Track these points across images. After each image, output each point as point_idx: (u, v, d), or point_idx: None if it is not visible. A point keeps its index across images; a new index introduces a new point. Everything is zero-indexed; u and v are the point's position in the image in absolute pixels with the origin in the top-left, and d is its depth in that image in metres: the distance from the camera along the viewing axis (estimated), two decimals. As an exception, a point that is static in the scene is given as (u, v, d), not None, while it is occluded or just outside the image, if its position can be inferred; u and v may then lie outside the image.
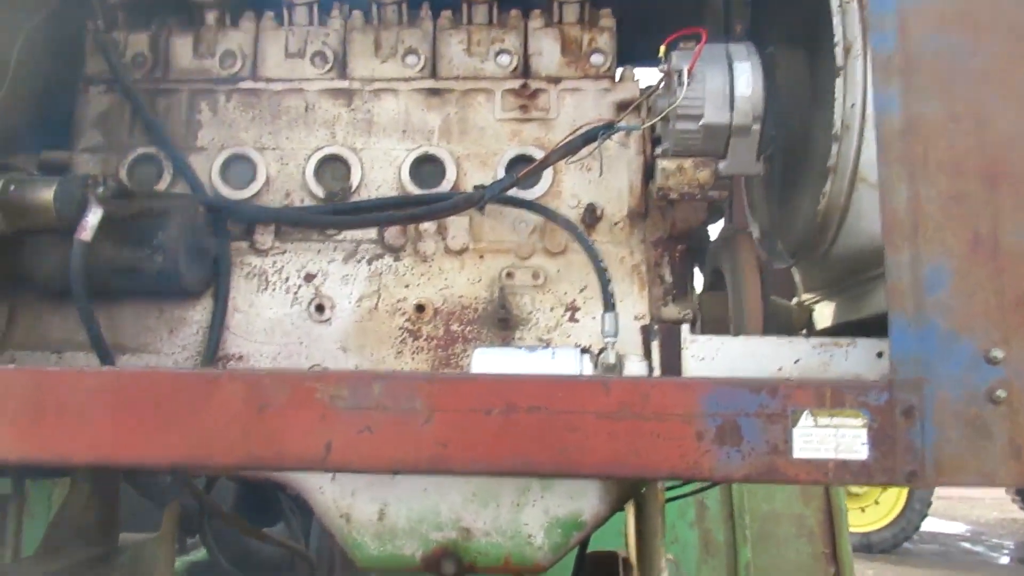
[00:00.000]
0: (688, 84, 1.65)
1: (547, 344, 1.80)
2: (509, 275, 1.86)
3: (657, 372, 1.71)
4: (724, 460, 1.37)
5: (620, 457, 1.38)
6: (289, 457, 1.41)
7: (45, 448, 1.43)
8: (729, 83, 1.66)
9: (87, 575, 2.23)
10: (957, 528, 13.55)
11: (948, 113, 1.44)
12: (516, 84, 1.97)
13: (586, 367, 1.63)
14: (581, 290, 1.86)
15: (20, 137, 1.95)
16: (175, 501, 1.75)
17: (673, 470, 1.39)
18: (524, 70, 1.99)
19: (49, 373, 1.47)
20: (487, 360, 1.62)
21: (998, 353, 1.37)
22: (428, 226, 1.90)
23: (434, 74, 1.99)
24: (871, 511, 11.04)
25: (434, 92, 1.98)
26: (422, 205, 1.85)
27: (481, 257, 1.89)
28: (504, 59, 1.97)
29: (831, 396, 1.38)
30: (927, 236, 1.41)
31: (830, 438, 1.37)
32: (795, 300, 2.32)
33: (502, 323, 1.82)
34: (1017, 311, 1.39)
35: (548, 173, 1.90)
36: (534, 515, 1.82)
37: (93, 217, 1.61)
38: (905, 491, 11.06)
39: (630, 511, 2.33)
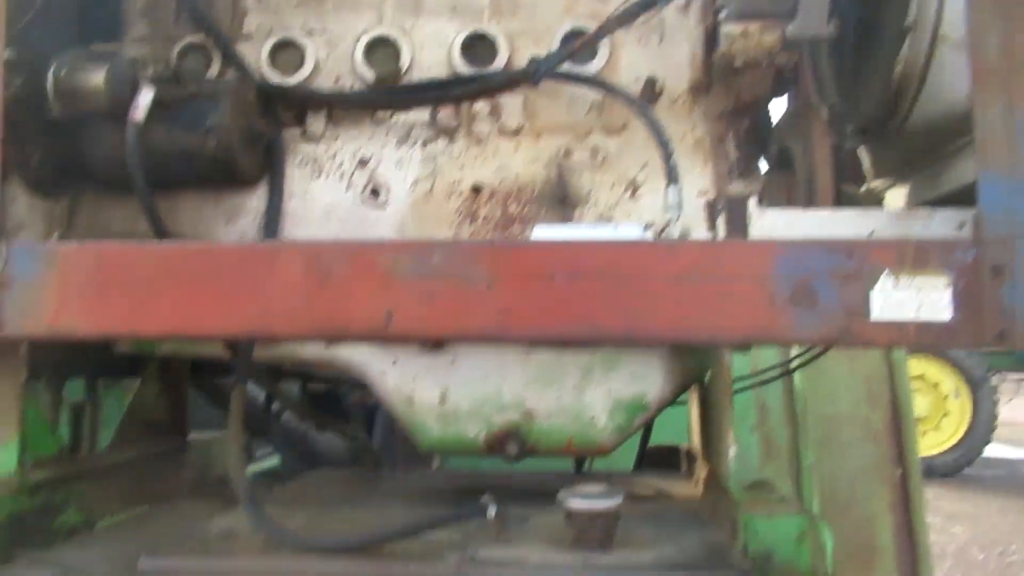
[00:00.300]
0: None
1: (609, 219, 1.75)
2: (567, 154, 1.80)
3: (723, 247, 1.65)
4: (798, 323, 1.32)
5: (689, 322, 1.34)
6: (351, 327, 1.40)
7: (113, 322, 1.45)
8: (797, -63, 1.55)
9: (160, 467, 2.30)
10: (1022, 454, 13.31)
11: (1047, -54, 1.32)
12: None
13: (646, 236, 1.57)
14: (642, 167, 1.79)
15: (69, 32, 1.93)
16: (240, 388, 1.76)
17: (744, 334, 1.34)
18: (577, -61, 1.89)
19: (113, 249, 1.47)
20: (547, 234, 1.58)
21: (1098, 204, 1.28)
22: (482, 107, 1.84)
23: (483, -52, 1.91)
24: (932, 435, 10.92)
25: (494, -34, 1.90)
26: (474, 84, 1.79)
27: (537, 136, 1.83)
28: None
29: (913, 255, 1.31)
30: (1022, 84, 1.31)
31: (911, 299, 1.30)
32: (864, 187, 2.22)
33: (560, 202, 1.77)
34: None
35: (605, 47, 1.82)
36: (597, 397, 1.81)
37: (144, 97, 1.59)
38: (968, 415, 10.87)
39: (693, 403, 2.30)
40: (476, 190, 1.80)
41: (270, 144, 1.84)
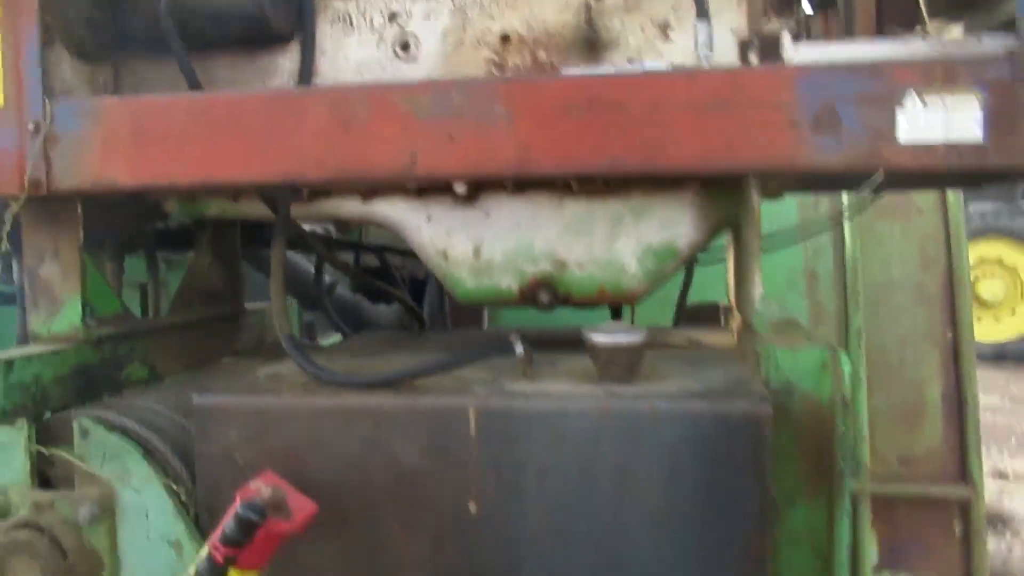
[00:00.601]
0: None
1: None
2: (595, -3, 1.76)
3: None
4: (821, 148, 1.30)
5: (709, 151, 1.34)
6: (376, 169, 1.43)
7: (152, 173, 1.52)
8: None
9: (217, 331, 2.43)
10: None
11: None
12: None
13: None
14: (673, 7, 1.74)
15: None
16: (280, 242, 1.82)
17: (765, 162, 1.33)
18: None
19: (150, 102, 1.53)
20: (575, 74, 1.56)
21: None
22: (509, -47, 1.81)
23: None
24: (1007, 320, 10.67)
25: None
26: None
27: (567, -19, 1.79)
28: None
29: (942, 73, 1.27)
30: None
31: (940, 119, 1.27)
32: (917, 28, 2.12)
33: (589, 45, 1.74)
34: None
35: None
36: (628, 245, 1.82)
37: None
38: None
39: (730, 260, 2.30)
40: (505, 39, 1.78)
41: (301, 1, 1.84)
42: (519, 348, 1.57)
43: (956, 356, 3.10)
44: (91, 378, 1.89)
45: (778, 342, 1.49)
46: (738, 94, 1.31)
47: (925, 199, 3.28)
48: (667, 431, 1.42)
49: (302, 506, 1.45)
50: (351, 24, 1.87)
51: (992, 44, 1.47)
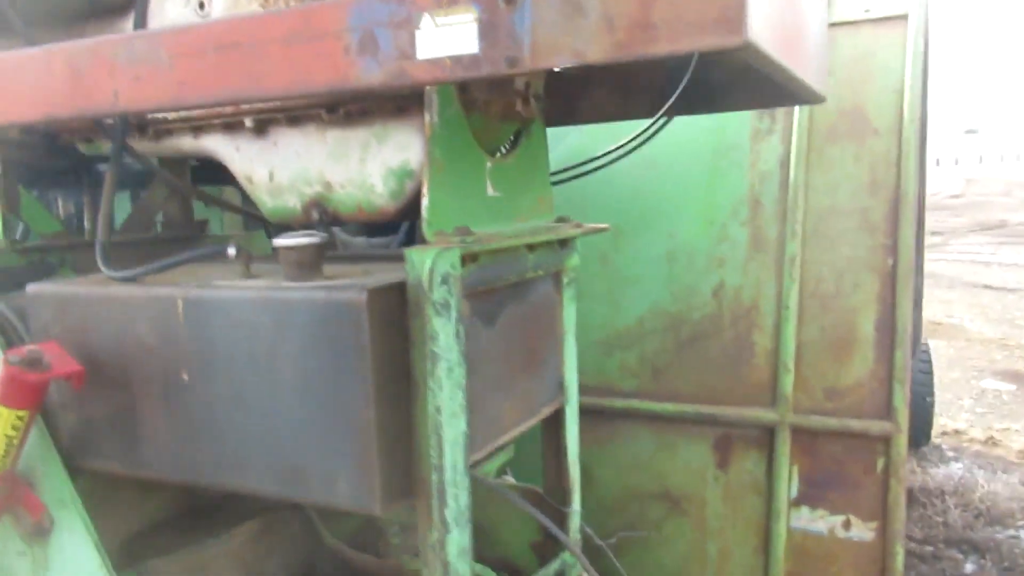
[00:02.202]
0: None
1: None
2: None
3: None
4: (366, 70, 1.52)
5: (295, 78, 1.60)
6: (95, 105, 1.83)
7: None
8: None
9: (153, 250, 2.97)
10: None
11: None
12: None
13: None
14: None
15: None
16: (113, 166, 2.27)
17: (330, 85, 1.57)
18: None
19: None
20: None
21: (592, -79, 1.30)
22: (276, -84, 2.11)
23: None
24: None
25: None
26: None
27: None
28: None
29: (447, -4, 1.43)
30: None
31: (448, 37, 1.44)
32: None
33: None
34: None
35: None
36: (375, 167, 2.09)
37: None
38: None
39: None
40: (251, -14, 2.10)
41: (133, -24, 2.27)
42: (231, 251, 1.92)
43: (893, 285, 2.96)
44: (22, 279, 2.48)
45: (427, 247, 1.72)
46: (309, 27, 1.56)
47: (882, 118, 3.12)
48: (295, 315, 1.73)
49: (66, 366, 1.92)
50: (169, -14, 2.27)
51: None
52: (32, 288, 2.10)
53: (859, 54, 3.26)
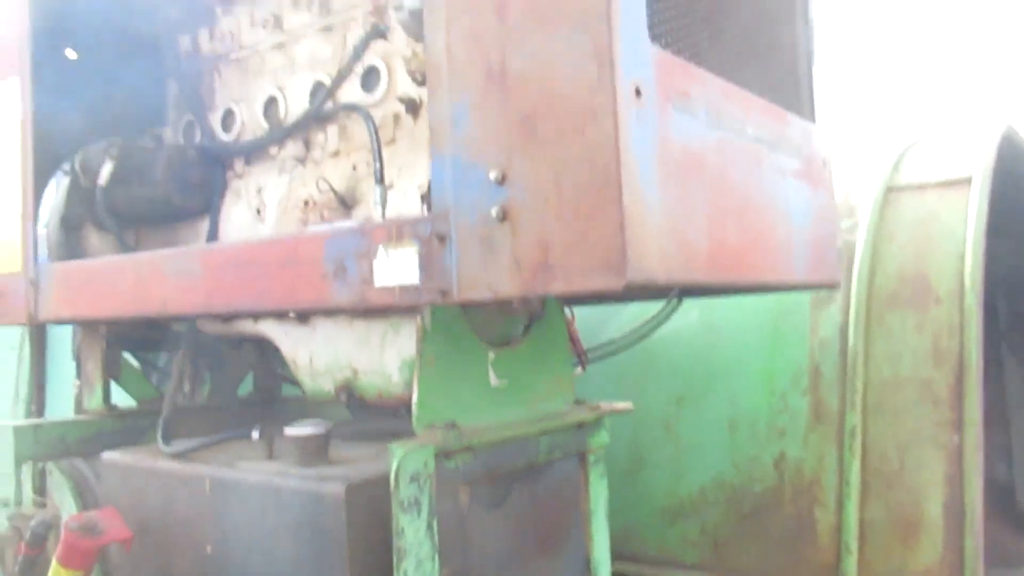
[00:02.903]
0: (391, -21, 1.92)
1: (369, 219, 2.22)
2: (354, 167, 2.32)
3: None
4: (338, 293, 1.74)
5: (288, 295, 1.84)
6: (151, 308, 2.16)
7: (86, 309, 2.42)
8: (417, -32, 1.88)
9: (239, 413, 3.28)
10: None
11: (470, -44, 1.53)
12: (371, 7, 2.37)
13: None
14: (399, 170, 2.22)
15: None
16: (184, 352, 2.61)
17: (311, 304, 1.80)
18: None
19: (76, 264, 2.45)
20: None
21: (502, 174, 1.47)
22: (320, 138, 2.44)
23: (329, 12, 2.49)
24: None
25: (327, 28, 2.49)
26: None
27: (348, 155, 2.37)
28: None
29: (396, 231, 1.64)
30: (454, 75, 1.55)
31: (396, 267, 1.64)
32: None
33: (344, 206, 2.30)
34: (520, 130, 1.46)
35: (384, 76, 2.29)
36: (392, 356, 2.29)
37: (106, 168, 2.54)
38: None
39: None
40: (306, 203, 2.41)
41: (212, 187, 2.67)
42: (255, 435, 2.15)
43: (960, 466, 2.76)
44: (113, 440, 2.84)
45: (406, 442, 1.88)
46: (297, 254, 1.81)
47: (945, 284, 3.01)
48: (288, 503, 1.91)
49: (118, 532, 2.19)
50: (239, 197, 2.65)
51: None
52: (106, 456, 2.41)
53: (922, 217, 3.19)
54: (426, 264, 1.59)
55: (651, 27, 1.49)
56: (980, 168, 3.14)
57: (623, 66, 1.38)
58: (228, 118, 2.74)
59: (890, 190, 3.44)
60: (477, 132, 1.51)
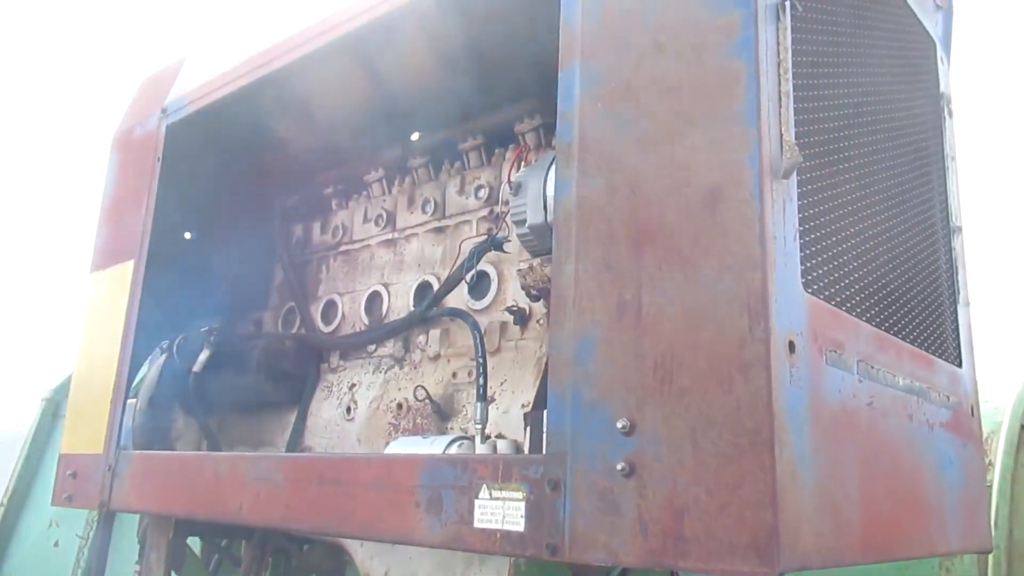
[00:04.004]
0: (515, 193, 1.88)
1: (466, 431, 2.07)
2: (454, 375, 2.20)
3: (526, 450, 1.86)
4: (430, 528, 1.56)
5: (374, 522, 1.67)
6: (227, 512, 2.01)
7: (155, 504, 2.30)
8: (543, 186, 1.82)
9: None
10: None
11: (607, 185, 1.45)
12: (486, 212, 2.34)
13: (451, 449, 1.88)
14: (502, 383, 2.09)
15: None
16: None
17: (397, 536, 1.62)
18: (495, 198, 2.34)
19: (157, 456, 2.35)
20: (395, 448, 2.01)
21: (630, 423, 1.31)
22: (421, 340, 2.35)
23: (443, 215, 2.47)
24: None
25: (439, 230, 2.46)
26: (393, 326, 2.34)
27: (448, 361, 2.26)
28: (482, 192, 2.36)
29: (502, 470, 1.47)
30: (581, 307, 1.43)
31: (499, 509, 1.46)
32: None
33: (440, 416, 2.15)
34: (655, 376, 1.31)
35: (495, 284, 2.21)
36: (475, 585, 2.07)
37: (202, 355, 2.50)
38: None
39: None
40: (400, 406, 2.29)
41: (305, 383, 2.59)
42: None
43: None
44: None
45: None
46: (391, 477, 1.65)
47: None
48: None
49: None
50: (331, 391, 2.55)
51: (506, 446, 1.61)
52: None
53: None
54: (534, 512, 1.40)
55: (803, 272, 1.35)
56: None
57: (777, 318, 1.24)
58: (329, 309, 2.71)
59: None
60: (604, 371, 1.37)
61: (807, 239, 1.42)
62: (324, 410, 2.54)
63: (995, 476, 3.04)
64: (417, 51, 2.22)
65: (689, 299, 1.30)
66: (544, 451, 1.43)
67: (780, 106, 1.36)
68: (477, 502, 1.49)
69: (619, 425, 1.32)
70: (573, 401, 1.40)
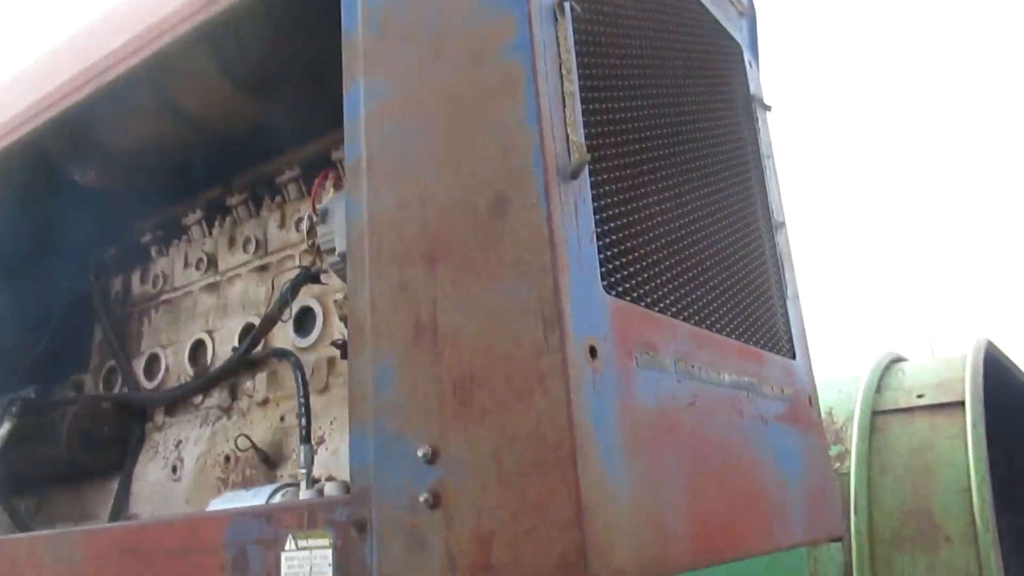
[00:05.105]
0: (322, 221, 1.76)
1: (295, 477, 1.93)
2: (282, 418, 2.05)
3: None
4: (236, 592, 1.41)
5: (179, 591, 1.50)
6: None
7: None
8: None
9: None
10: None
11: (398, 201, 1.37)
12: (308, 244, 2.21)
13: (275, 499, 1.73)
14: (331, 422, 1.96)
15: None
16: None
17: None
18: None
19: None
20: (217, 505, 1.83)
21: (432, 450, 1.21)
22: (248, 386, 2.19)
23: (265, 252, 2.33)
24: None
25: (263, 268, 2.32)
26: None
27: (277, 404, 2.11)
28: (303, 225, 2.23)
29: (307, 516, 1.35)
30: (379, 332, 1.33)
31: (307, 561, 1.33)
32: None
33: (268, 464, 2.00)
34: (454, 398, 1.22)
35: (320, 318, 2.08)
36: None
37: (3, 429, 2.25)
38: None
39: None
40: (227, 459, 2.12)
41: (128, 439, 2.37)
42: None
43: None
44: None
45: None
46: (195, 540, 1.49)
47: (952, 522, 2.72)
48: None
49: None
50: (156, 451, 2.34)
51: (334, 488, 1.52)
52: None
53: (915, 446, 2.96)
54: (343, 559, 1.28)
55: (605, 275, 1.30)
56: (971, 390, 2.95)
57: (574, 323, 1.17)
58: (152, 364, 2.50)
59: (876, 414, 3.23)
60: (404, 398, 1.27)
61: (608, 240, 1.38)
62: (149, 472, 2.32)
63: (851, 463, 3.11)
64: (216, 83, 2.08)
65: (485, 314, 1.23)
66: (351, 488, 1.31)
67: (564, 107, 1.31)
68: (284, 555, 1.36)
69: (420, 454, 1.22)
70: (376, 433, 1.29)
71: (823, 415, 3.30)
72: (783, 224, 2.17)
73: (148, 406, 2.41)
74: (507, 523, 1.13)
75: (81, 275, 2.76)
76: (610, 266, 1.35)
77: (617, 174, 1.49)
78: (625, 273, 1.40)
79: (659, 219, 1.61)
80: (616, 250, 1.39)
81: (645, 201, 1.58)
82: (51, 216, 2.65)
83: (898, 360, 3.60)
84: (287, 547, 1.36)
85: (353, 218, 1.42)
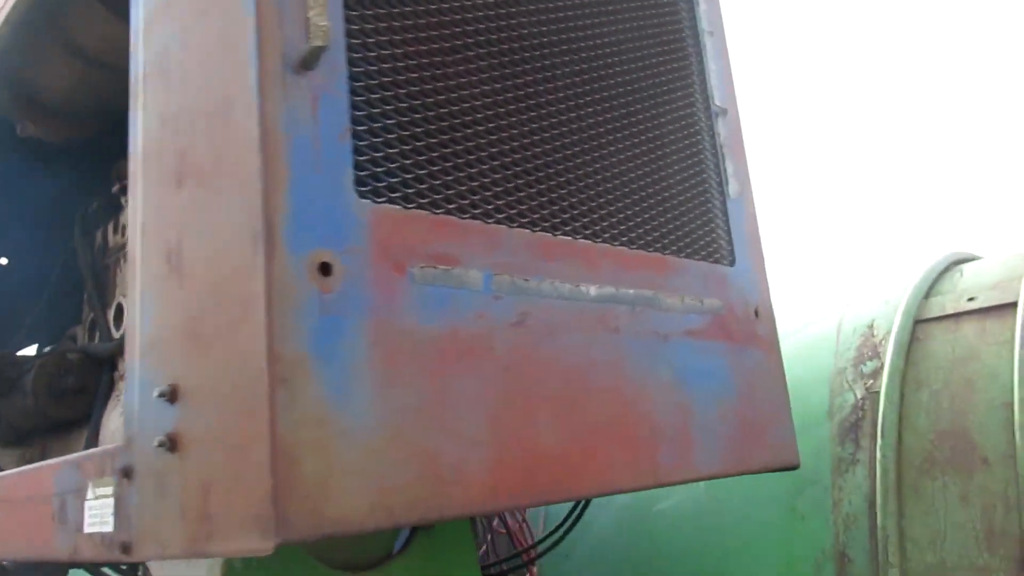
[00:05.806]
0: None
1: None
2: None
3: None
4: (59, 540, 1.37)
5: (26, 542, 1.48)
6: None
7: None
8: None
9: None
10: None
11: (159, 117, 1.23)
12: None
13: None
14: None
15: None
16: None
17: (42, 552, 1.42)
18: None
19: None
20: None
21: (171, 389, 1.10)
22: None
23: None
24: None
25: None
26: None
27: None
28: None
29: (104, 463, 1.28)
30: (144, 266, 1.22)
31: (100, 509, 1.26)
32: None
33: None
34: (188, 332, 1.10)
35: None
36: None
37: (-21, 385, 2.33)
38: None
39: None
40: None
41: (96, 396, 2.41)
42: None
43: None
44: None
45: None
46: (37, 488, 1.46)
47: (991, 443, 2.37)
48: None
49: None
50: (119, 400, 2.36)
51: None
52: None
53: (958, 357, 2.58)
54: (120, 507, 1.20)
55: (366, 179, 1.12)
56: None
57: (294, 237, 1.01)
58: (120, 314, 2.52)
59: (919, 323, 2.85)
60: (155, 334, 1.16)
61: (385, 139, 1.19)
62: (112, 419, 2.35)
63: (883, 380, 2.78)
64: (106, 17, 2.00)
65: (219, 234, 1.09)
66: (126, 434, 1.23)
67: (304, -13, 1.12)
68: (87, 504, 1.30)
69: (156, 393, 1.11)
70: (140, 375, 1.19)
71: (864, 328, 2.97)
72: (725, 111, 1.87)
73: (115, 355, 2.43)
74: (223, 468, 1.01)
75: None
76: (381, 168, 1.16)
77: (423, 60, 1.28)
78: (411, 176, 1.21)
79: (495, 112, 1.39)
80: (398, 149, 1.20)
81: (473, 91, 1.36)
82: (35, 174, 2.70)
83: (962, 261, 3.16)
84: (88, 496, 1.29)
85: (133, 136, 1.31)
